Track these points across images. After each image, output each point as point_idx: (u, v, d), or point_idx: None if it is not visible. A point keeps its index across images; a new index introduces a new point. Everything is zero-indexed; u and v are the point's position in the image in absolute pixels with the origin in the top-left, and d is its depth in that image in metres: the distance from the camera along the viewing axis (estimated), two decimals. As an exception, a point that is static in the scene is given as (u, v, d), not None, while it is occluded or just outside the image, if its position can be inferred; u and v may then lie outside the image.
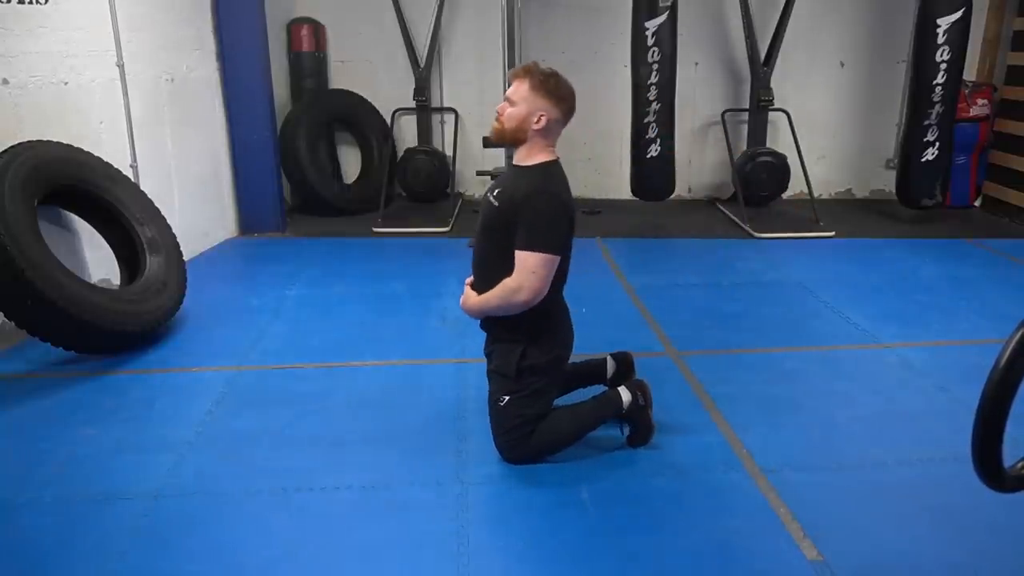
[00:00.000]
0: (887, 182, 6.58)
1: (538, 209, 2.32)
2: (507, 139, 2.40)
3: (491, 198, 2.45)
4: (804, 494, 2.37)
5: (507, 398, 2.47)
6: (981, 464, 1.17)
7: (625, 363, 2.85)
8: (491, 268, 2.43)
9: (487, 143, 5.37)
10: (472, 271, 2.56)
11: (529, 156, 2.41)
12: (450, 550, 2.10)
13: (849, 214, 6.19)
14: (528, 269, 2.32)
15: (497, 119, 2.41)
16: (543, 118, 2.36)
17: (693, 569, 2.06)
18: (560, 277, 2.45)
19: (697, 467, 2.53)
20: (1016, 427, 1.23)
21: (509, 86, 2.43)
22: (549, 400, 2.56)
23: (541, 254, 2.32)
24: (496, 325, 2.53)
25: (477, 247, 2.54)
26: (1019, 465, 1.24)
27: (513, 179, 2.44)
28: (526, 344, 2.46)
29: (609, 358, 2.87)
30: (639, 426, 2.61)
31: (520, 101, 2.36)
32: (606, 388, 2.75)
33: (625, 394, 2.58)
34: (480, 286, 2.49)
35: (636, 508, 2.31)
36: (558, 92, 2.39)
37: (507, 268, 2.36)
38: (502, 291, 2.38)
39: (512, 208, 2.34)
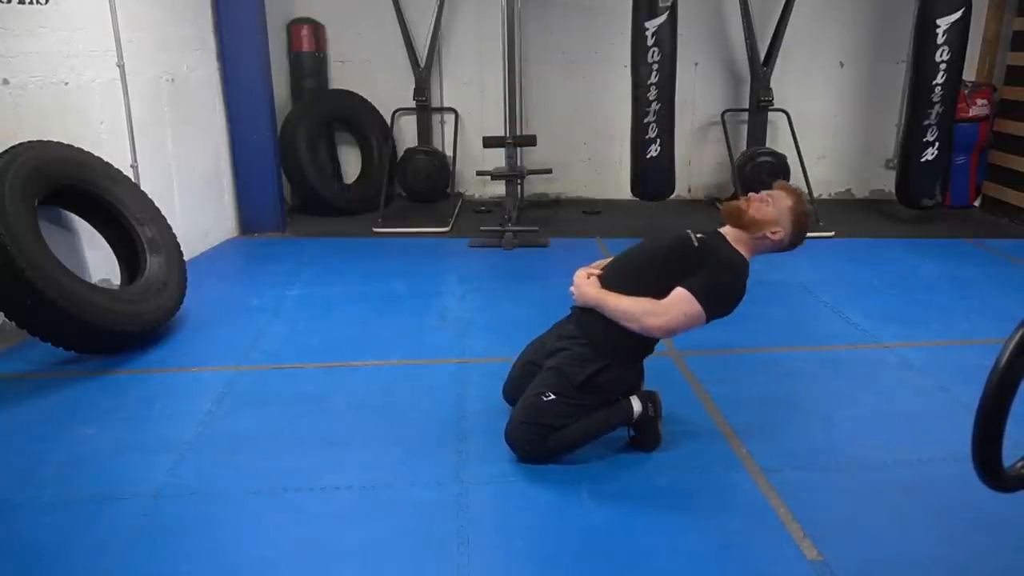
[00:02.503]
0: (887, 182, 6.58)
1: (724, 276, 2.45)
2: (741, 221, 2.52)
3: (692, 236, 2.52)
4: (804, 494, 2.37)
5: (553, 397, 2.47)
6: (981, 464, 1.17)
7: None
8: (640, 283, 2.47)
9: (487, 143, 5.39)
10: (613, 270, 2.59)
11: (738, 242, 2.55)
12: (450, 550, 2.10)
13: (849, 214, 6.19)
14: (679, 307, 2.39)
15: (747, 201, 2.53)
16: (779, 233, 2.51)
17: (693, 569, 2.06)
18: (679, 332, 2.54)
19: (697, 467, 2.53)
20: (1016, 427, 1.22)
21: (774, 190, 2.57)
22: (584, 417, 2.54)
23: (698, 306, 2.39)
24: (604, 327, 2.49)
25: (641, 259, 2.58)
26: (1019, 464, 1.24)
27: (718, 240, 2.54)
28: (611, 361, 2.49)
29: None
30: (646, 435, 2.61)
31: (776, 207, 2.51)
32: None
33: (636, 404, 2.58)
34: (612, 287, 2.50)
35: (636, 508, 2.31)
36: (801, 229, 2.55)
37: (656, 292, 2.42)
38: (644, 306, 2.42)
39: (707, 258, 2.44)
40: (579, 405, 2.49)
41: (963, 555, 2.10)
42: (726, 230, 2.56)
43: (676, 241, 2.54)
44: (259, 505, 2.32)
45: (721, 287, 2.45)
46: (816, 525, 2.20)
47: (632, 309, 2.43)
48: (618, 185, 6.39)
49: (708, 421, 2.83)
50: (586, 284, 2.55)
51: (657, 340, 2.57)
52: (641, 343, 2.52)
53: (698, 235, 2.52)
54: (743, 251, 2.53)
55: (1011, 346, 1.09)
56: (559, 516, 2.27)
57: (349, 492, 2.38)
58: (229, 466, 2.52)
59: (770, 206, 2.50)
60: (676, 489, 2.42)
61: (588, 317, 2.54)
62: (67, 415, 2.86)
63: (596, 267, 2.65)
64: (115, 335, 3.27)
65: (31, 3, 3.45)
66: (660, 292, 2.42)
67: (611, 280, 2.54)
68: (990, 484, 1.20)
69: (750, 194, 2.58)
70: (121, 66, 4.07)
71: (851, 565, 2.05)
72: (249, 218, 5.46)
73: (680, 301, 2.39)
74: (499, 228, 5.26)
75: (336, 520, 2.25)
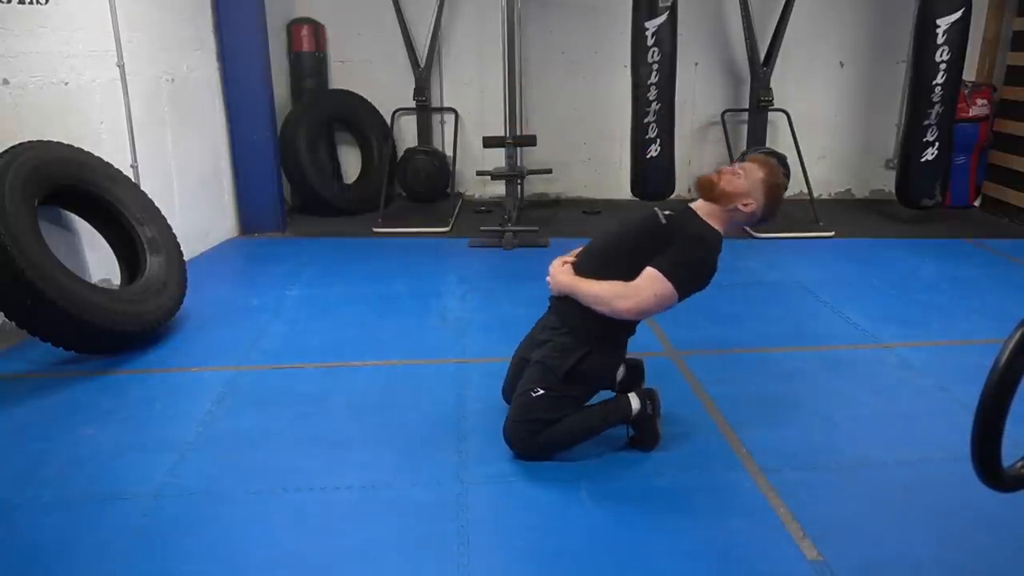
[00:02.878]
0: (887, 182, 6.58)
1: (694, 251, 2.42)
2: (712, 194, 2.49)
3: (660, 214, 2.50)
4: (804, 494, 2.37)
5: (542, 392, 2.47)
6: (980, 464, 1.17)
7: (635, 370, 2.86)
8: (612, 266, 2.46)
9: (487, 143, 5.39)
10: (585, 256, 2.58)
11: (709, 215, 2.51)
12: (450, 550, 2.10)
13: (849, 214, 6.19)
14: (650, 288, 2.37)
15: (718, 173, 2.50)
16: (752, 205, 2.47)
17: (693, 569, 2.06)
18: (655, 312, 2.51)
19: (697, 467, 2.53)
20: (1016, 427, 1.23)
21: (746, 162, 2.54)
22: (574, 409, 2.56)
23: (670, 285, 2.37)
24: (581, 313, 2.49)
25: (611, 242, 2.58)
26: (1018, 465, 1.24)
27: (687, 216, 2.51)
28: (590, 350, 2.48)
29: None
30: (645, 434, 2.61)
31: (748, 179, 2.48)
32: (614, 393, 2.75)
33: (635, 401, 2.58)
34: (585, 273, 2.50)
35: (636, 508, 2.31)
36: (775, 200, 2.52)
37: (627, 274, 2.40)
38: (615, 289, 2.41)
39: (676, 235, 2.42)
40: (567, 396, 2.49)
41: (963, 555, 2.10)
42: (698, 204, 2.53)
43: (644, 220, 2.53)
44: (259, 505, 2.32)
45: (691, 263, 2.42)
46: (816, 525, 2.20)
47: (603, 293, 2.43)
48: (618, 185, 6.39)
49: (708, 421, 2.83)
50: (560, 272, 2.55)
51: (637, 322, 2.55)
52: (620, 326, 2.50)
53: (666, 212, 2.50)
54: (715, 224, 2.49)
55: (1010, 346, 1.09)
56: (559, 516, 2.27)
57: (349, 492, 2.38)
58: (229, 466, 2.52)
59: (742, 178, 2.47)
60: (676, 489, 2.42)
61: (565, 305, 2.55)
62: (67, 415, 2.86)
63: (572, 255, 2.65)
64: (115, 335, 3.27)
65: (31, 3, 3.45)
66: (632, 273, 2.40)
67: (584, 266, 2.54)
68: (989, 484, 1.20)
69: (722, 167, 2.56)
70: (121, 66, 4.07)
71: (851, 565, 2.05)
72: (249, 218, 5.46)
73: (650, 281, 2.37)
74: (499, 228, 5.26)
75: (336, 520, 2.25)
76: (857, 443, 2.70)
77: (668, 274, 2.37)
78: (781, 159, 5.95)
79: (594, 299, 2.44)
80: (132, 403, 2.97)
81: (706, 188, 2.50)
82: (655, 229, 2.46)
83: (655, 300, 2.39)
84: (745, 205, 2.47)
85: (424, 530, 2.19)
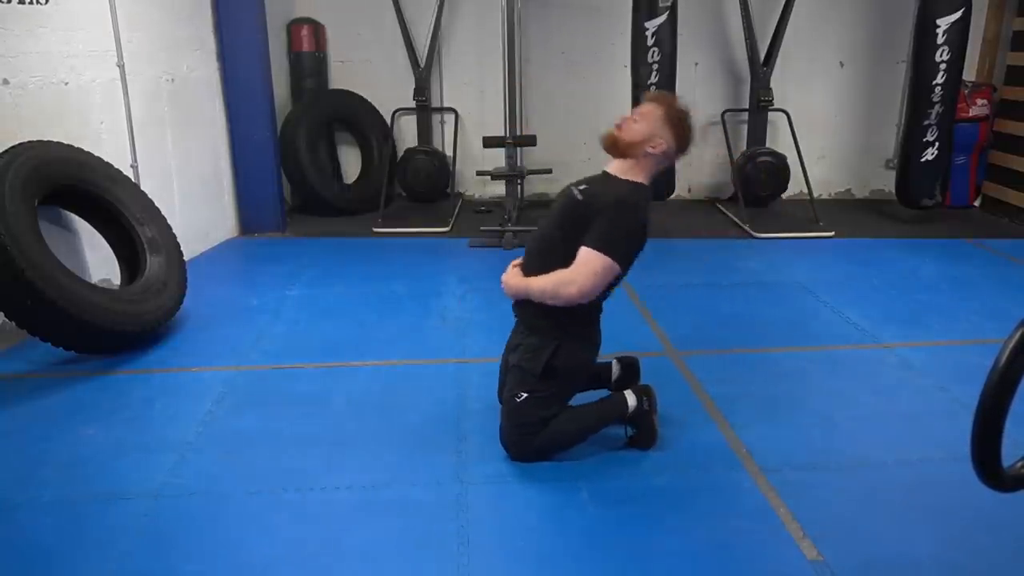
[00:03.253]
0: (887, 182, 6.57)
1: (619, 216, 2.35)
2: (619, 149, 2.44)
3: (576, 191, 2.45)
4: (804, 494, 2.37)
5: (525, 395, 2.47)
6: (980, 464, 1.17)
7: (631, 368, 2.86)
8: (551, 257, 2.43)
9: (487, 143, 5.39)
10: (526, 255, 2.56)
11: (626, 171, 2.45)
12: (450, 550, 2.10)
13: (849, 214, 6.19)
14: (589, 268, 2.34)
15: (617, 127, 2.45)
16: (661, 144, 2.41)
17: (693, 569, 2.06)
18: (610, 289, 2.48)
19: (697, 467, 2.53)
20: (1016, 427, 1.23)
21: (641, 105, 2.48)
22: (564, 404, 2.56)
23: (607, 258, 2.34)
24: (537, 314, 2.49)
25: (542, 234, 2.54)
26: (1018, 465, 1.24)
27: (604, 183, 2.46)
28: (560, 342, 2.47)
29: (615, 362, 2.87)
30: (643, 431, 2.61)
31: (647, 121, 2.42)
32: (610, 392, 2.75)
33: (631, 398, 2.59)
34: (531, 271, 2.49)
35: (636, 508, 2.31)
36: (683, 132, 2.45)
37: (566, 261, 2.37)
38: (556, 279, 2.39)
39: (595, 207, 2.36)
40: (551, 394, 2.49)
41: (963, 555, 2.10)
42: (612, 166, 2.48)
43: (563, 203, 2.49)
44: (259, 505, 2.32)
45: (618, 229, 2.36)
46: (816, 525, 2.20)
47: (547, 287, 2.41)
48: (618, 185, 6.38)
49: (708, 421, 2.83)
50: (510, 277, 2.54)
51: (598, 303, 2.50)
52: (581, 312, 2.47)
53: (582, 187, 2.46)
54: (636, 177, 2.44)
55: (1010, 346, 1.09)
56: (559, 516, 2.28)
57: (349, 492, 2.38)
58: (230, 466, 2.52)
59: (640, 122, 2.41)
60: (676, 489, 2.42)
61: (523, 308, 2.55)
62: (68, 415, 2.86)
63: (520, 259, 2.62)
64: (115, 335, 3.27)
65: (31, 3, 3.45)
66: (571, 258, 2.37)
67: (528, 265, 2.53)
68: (989, 484, 1.20)
69: (620, 116, 2.50)
70: (121, 66, 4.07)
71: (851, 565, 2.05)
72: (249, 218, 5.46)
73: (585, 262, 2.35)
74: (499, 228, 5.26)
75: (336, 520, 2.25)
76: (857, 443, 2.70)
77: (600, 248, 2.33)
78: (781, 159, 5.97)
79: (543, 294, 2.43)
80: (132, 403, 2.98)
81: (611, 145, 2.46)
82: (575, 208, 2.42)
83: (597, 277, 2.35)
84: (654, 147, 2.40)
85: (424, 530, 2.19)
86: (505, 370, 2.69)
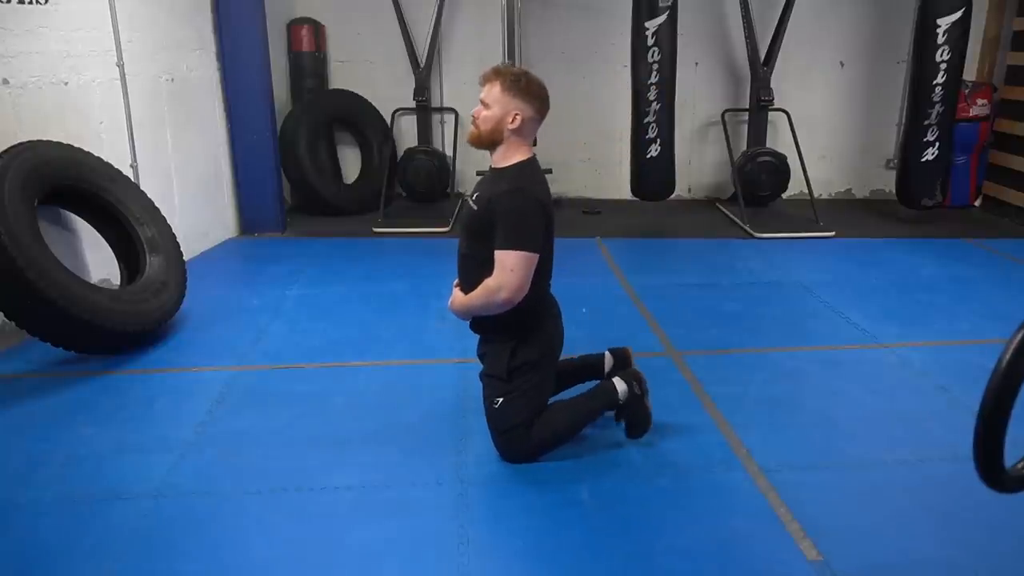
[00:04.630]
0: (887, 182, 6.58)
1: (513, 208, 2.35)
2: (484, 142, 2.44)
3: (471, 202, 2.48)
4: (804, 494, 2.37)
5: (500, 400, 2.48)
6: (982, 464, 1.17)
7: (623, 358, 2.85)
8: (474, 270, 2.44)
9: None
10: (459, 274, 2.58)
11: (505, 157, 2.44)
12: (450, 550, 2.10)
13: (849, 214, 6.19)
14: (507, 268, 2.34)
15: (473, 123, 2.44)
16: (518, 117, 2.39)
17: (693, 569, 2.06)
18: (543, 274, 2.48)
19: (697, 467, 2.53)
20: (1017, 427, 1.22)
21: (481, 89, 2.44)
22: (543, 398, 2.56)
23: (519, 252, 2.34)
24: (485, 325, 2.55)
25: (460, 250, 2.56)
26: (1020, 465, 1.24)
27: (491, 181, 2.46)
28: (516, 342, 2.48)
29: (607, 353, 2.87)
30: (637, 415, 2.61)
31: (494, 103, 2.39)
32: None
33: (620, 384, 2.59)
34: (466, 287, 2.50)
35: (636, 508, 2.31)
36: (530, 90, 2.41)
37: (490, 269, 2.38)
38: (484, 291, 2.40)
39: (489, 209, 2.37)
40: (526, 391, 2.49)
41: (963, 555, 2.10)
42: (493, 158, 2.47)
43: (465, 217, 2.52)
44: (259, 505, 2.31)
45: (519, 220, 2.34)
46: (816, 525, 2.20)
47: (480, 301, 2.42)
48: (618, 185, 6.39)
49: (708, 421, 2.83)
50: (453, 300, 2.55)
51: (537, 295, 2.47)
52: (525, 309, 2.44)
53: (474, 196, 2.48)
54: (517, 157, 2.42)
55: (1013, 347, 1.09)
56: (559, 516, 2.27)
57: (349, 492, 2.38)
58: (229, 466, 2.52)
59: (489, 108, 2.38)
60: (676, 489, 2.41)
61: (476, 323, 2.58)
62: (67, 415, 2.86)
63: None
64: (115, 335, 3.27)
65: (31, 3, 3.45)
66: (490, 265, 2.37)
67: (463, 284, 2.54)
68: (991, 485, 1.20)
69: (473, 112, 2.44)
70: (121, 66, 4.07)
71: (851, 565, 2.05)
72: (249, 218, 5.46)
73: (501, 263, 2.35)
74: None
75: (336, 520, 2.25)
76: (857, 443, 2.70)
77: (508, 245, 2.33)
78: (781, 159, 5.96)
79: (480, 308, 2.45)
80: (132, 403, 2.97)
81: (478, 143, 2.45)
82: (475, 217, 2.43)
83: (519, 274, 2.34)
84: (513, 122, 2.37)
85: (424, 530, 2.19)
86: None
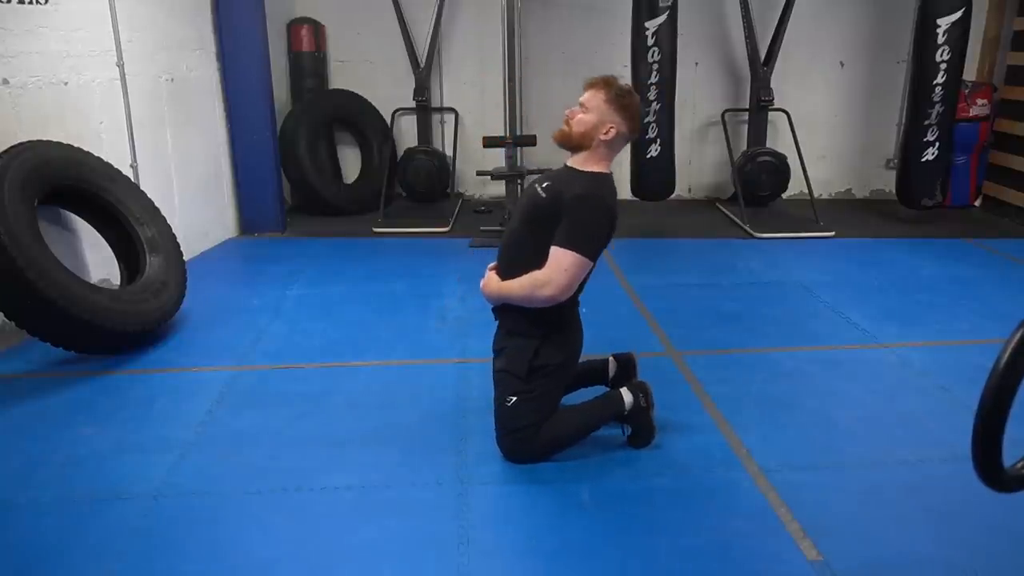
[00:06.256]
0: (887, 182, 6.58)
1: (587, 213, 2.35)
2: (573, 143, 2.44)
3: (539, 189, 2.45)
4: (804, 494, 2.37)
5: (514, 399, 2.47)
6: (981, 464, 1.17)
7: (628, 364, 2.85)
8: (521, 257, 2.43)
9: (487, 143, 5.38)
10: (499, 257, 2.55)
11: (587, 163, 2.44)
12: (450, 550, 2.10)
13: (849, 214, 6.19)
14: (561, 267, 2.34)
15: (565, 122, 2.45)
16: (612, 130, 2.41)
17: (693, 569, 2.06)
18: (583, 282, 2.47)
19: (697, 467, 2.53)
20: (1016, 427, 1.22)
21: (584, 93, 2.46)
22: (555, 403, 2.56)
23: (578, 255, 2.33)
24: (515, 316, 2.50)
25: (511, 234, 2.53)
26: (1019, 465, 1.24)
27: (566, 178, 2.44)
28: (540, 341, 2.47)
29: (611, 359, 2.87)
30: (641, 428, 2.61)
31: (593, 110, 2.41)
32: (608, 389, 2.75)
33: (627, 396, 2.58)
34: (506, 273, 2.48)
35: (636, 508, 2.31)
36: (631, 110, 2.45)
37: (537, 260, 2.37)
38: (530, 282, 2.38)
39: (559, 204, 2.35)
40: (539, 394, 2.48)
41: (963, 555, 2.10)
42: (572, 159, 2.48)
43: (528, 203, 2.50)
44: (259, 505, 2.32)
45: (586, 224, 2.35)
46: (816, 525, 2.20)
47: (522, 291, 2.41)
48: (618, 185, 6.37)
49: (708, 421, 2.83)
50: (488, 282, 2.53)
51: (571, 299, 2.47)
52: (556, 310, 2.45)
53: (545, 184, 2.46)
54: (596, 167, 2.43)
55: (1011, 346, 1.09)
56: (559, 516, 2.27)
57: (349, 492, 2.38)
58: (229, 466, 2.52)
59: (587, 112, 2.41)
60: (676, 489, 2.41)
61: (503, 311, 2.55)
62: (67, 415, 2.86)
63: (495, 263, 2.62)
64: (115, 335, 3.27)
65: (31, 3, 3.45)
66: (540, 255, 2.37)
67: (503, 267, 2.52)
68: (990, 484, 1.20)
69: (568, 111, 2.47)
70: (121, 66, 4.07)
71: (851, 565, 2.05)
72: (249, 218, 5.46)
73: (557, 261, 2.34)
74: (499, 228, 5.26)
75: (336, 520, 2.25)
76: (857, 443, 2.70)
77: (570, 246, 2.33)
78: (781, 159, 5.96)
79: (519, 298, 2.43)
80: (132, 403, 2.97)
81: (565, 142, 2.46)
82: (541, 207, 2.41)
83: (570, 275, 2.35)
84: (607, 133, 2.40)
85: (424, 530, 2.19)
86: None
